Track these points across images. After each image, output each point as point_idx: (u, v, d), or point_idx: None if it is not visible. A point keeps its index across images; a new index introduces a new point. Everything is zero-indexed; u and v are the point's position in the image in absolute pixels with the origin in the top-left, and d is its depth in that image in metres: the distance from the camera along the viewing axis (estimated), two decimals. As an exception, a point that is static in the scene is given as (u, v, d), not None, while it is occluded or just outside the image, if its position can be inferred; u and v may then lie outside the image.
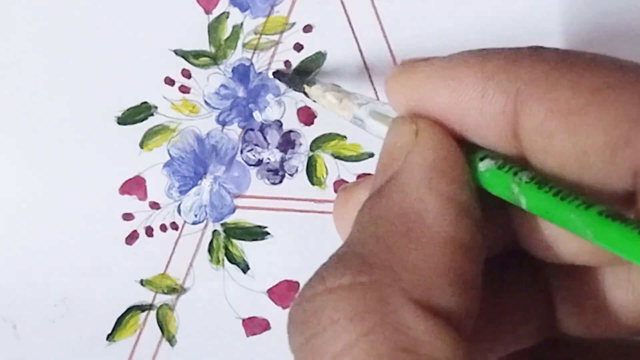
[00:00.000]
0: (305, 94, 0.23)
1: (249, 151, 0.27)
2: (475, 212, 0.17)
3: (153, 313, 0.28)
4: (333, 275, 0.16)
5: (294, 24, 0.26)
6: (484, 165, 0.18)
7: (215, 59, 0.26)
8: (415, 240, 0.16)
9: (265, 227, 0.27)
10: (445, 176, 0.17)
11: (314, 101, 0.23)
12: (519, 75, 0.17)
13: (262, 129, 0.27)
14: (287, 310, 0.27)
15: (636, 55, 0.25)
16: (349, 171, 0.27)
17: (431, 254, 0.16)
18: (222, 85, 0.27)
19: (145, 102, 0.27)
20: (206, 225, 0.27)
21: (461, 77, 0.18)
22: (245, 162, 0.27)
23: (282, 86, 0.27)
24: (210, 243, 0.27)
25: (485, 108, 0.17)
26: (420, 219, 0.16)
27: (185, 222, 0.27)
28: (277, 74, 0.26)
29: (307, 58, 0.26)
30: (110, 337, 0.28)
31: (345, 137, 0.27)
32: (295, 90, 0.25)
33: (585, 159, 0.16)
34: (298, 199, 0.27)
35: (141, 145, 0.27)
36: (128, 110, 0.27)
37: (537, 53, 0.18)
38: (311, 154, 0.27)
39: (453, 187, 0.17)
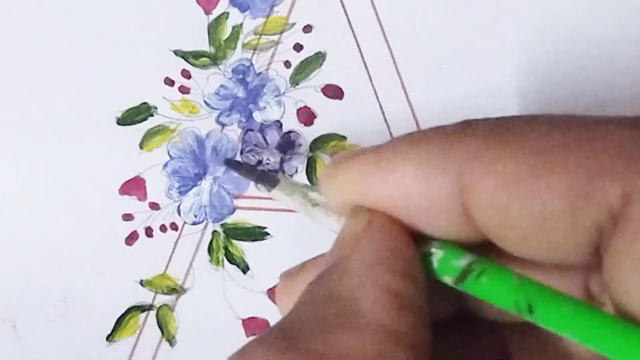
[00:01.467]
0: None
1: (248, 152, 0.27)
2: (417, 304, 0.17)
3: (153, 313, 0.28)
4: (256, 352, 0.16)
5: (293, 24, 0.26)
6: (435, 258, 0.18)
7: (215, 60, 0.26)
8: (348, 325, 0.16)
9: (265, 228, 0.27)
10: (388, 267, 0.17)
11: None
12: (456, 155, 0.17)
13: (262, 129, 0.27)
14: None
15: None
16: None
17: (362, 341, 0.15)
18: (222, 86, 0.27)
19: (145, 103, 0.27)
20: (206, 226, 0.27)
21: (397, 168, 0.17)
22: (245, 162, 0.27)
23: (282, 86, 0.27)
24: (210, 243, 0.27)
25: (430, 195, 0.17)
26: (356, 306, 0.16)
27: (185, 222, 0.27)
28: (230, 164, 0.26)
29: (306, 58, 0.26)
30: (110, 337, 0.28)
31: (345, 137, 0.27)
32: (251, 180, 0.25)
33: (545, 225, 0.16)
34: (298, 200, 0.27)
35: (141, 145, 0.27)
36: (128, 110, 0.27)
37: (468, 128, 0.17)
38: (311, 154, 0.27)
39: (395, 278, 0.17)
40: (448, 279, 0.17)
